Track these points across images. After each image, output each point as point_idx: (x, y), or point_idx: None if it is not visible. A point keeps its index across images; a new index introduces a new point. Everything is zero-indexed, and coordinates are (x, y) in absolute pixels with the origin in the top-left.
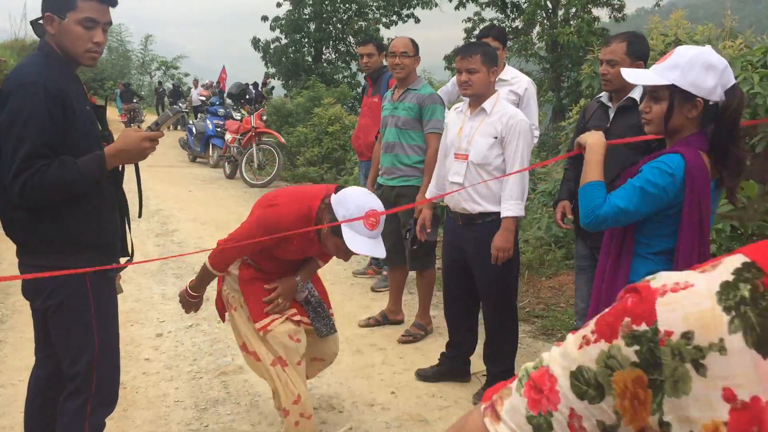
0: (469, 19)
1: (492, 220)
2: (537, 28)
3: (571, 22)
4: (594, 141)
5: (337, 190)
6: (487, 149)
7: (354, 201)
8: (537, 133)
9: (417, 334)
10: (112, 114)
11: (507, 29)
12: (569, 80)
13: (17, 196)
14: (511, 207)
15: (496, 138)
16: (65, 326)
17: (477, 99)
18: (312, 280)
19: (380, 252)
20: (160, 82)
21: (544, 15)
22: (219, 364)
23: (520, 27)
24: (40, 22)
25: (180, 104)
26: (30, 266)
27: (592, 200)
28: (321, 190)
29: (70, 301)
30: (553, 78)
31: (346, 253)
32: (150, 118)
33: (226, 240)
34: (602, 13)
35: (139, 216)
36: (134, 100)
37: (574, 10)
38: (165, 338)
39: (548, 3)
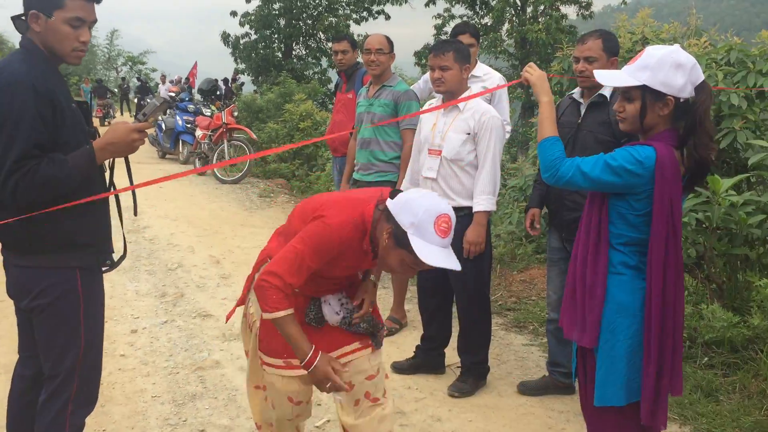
0: (439, 16)
1: (465, 215)
2: (506, 25)
3: (540, 20)
4: (537, 75)
5: (392, 195)
6: (460, 145)
7: (421, 205)
8: (509, 128)
9: (392, 328)
10: None
11: (477, 26)
12: None
13: (9, 197)
14: (482, 201)
15: (468, 134)
16: (52, 327)
17: (450, 95)
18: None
19: (454, 263)
20: (123, 78)
21: (513, 12)
22: (195, 359)
23: (489, 24)
24: (23, 18)
25: (147, 100)
26: (20, 266)
27: (552, 153)
28: (372, 195)
29: (59, 302)
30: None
31: (412, 268)
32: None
33: (272, 274)
34: (570, 11)
35: (135, 214)
36: (107, 96)
37: (542, 7)
38: (140, 334)
39: (517, 0)
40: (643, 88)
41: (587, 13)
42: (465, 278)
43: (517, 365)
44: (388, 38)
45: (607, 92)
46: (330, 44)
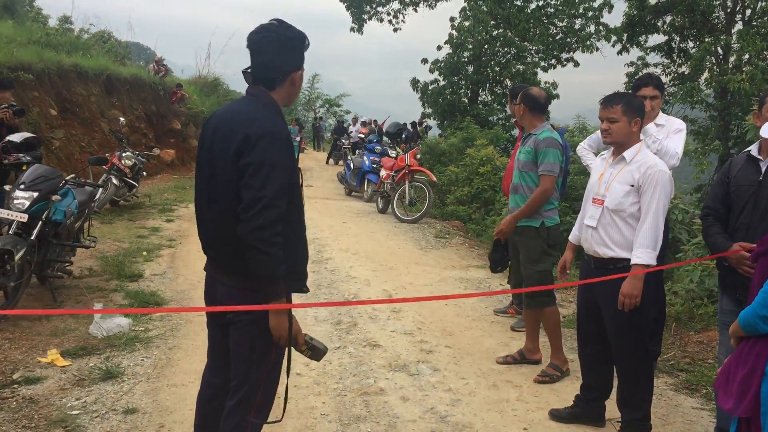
0: (632, 63)
1: (624, 266)
2: (705, 74)
3: (744, 69)
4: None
5: None
6: (623, 196)
7: None
8: (678, 158)
9: (553, 375)
10: None
11: (672, 74)
12: (738, 129)
13: (248, 232)
14: (640, 254)
15: (632, 186)
16: (250, 341)
17: (619, 147)
18: None
19: None
20: (316, 117)
21: (714, 61)
22: (362, 384)
23: (686, 73)
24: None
25: (343, 140)
26: (229, 285)
27: (754, 325)
28: None
29: (261, 321)
30: (721, 126)
31: None
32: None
33: None
34: None
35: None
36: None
37: (747, 56)
38: None
39: (719, 49)
40: None
41: None
42: (620, 329)
43: (684, 428)
44: (523, 92)
45: None
46: None
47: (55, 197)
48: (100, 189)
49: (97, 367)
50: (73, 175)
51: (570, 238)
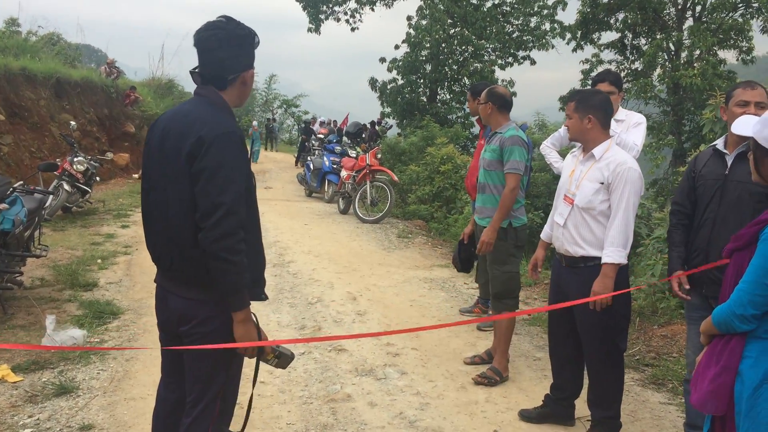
0: (586, 61)
1: (595, 265)
2: (658, 71)
3: (695, 65)
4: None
5: None
6: (593, 194)
7: None
8: (637, 151)
9: (492, 379)
10: None
11: (626, 71)
12: (691, 124)
13: (210, 241)
14: (611, 253)
15: (602, 183)
16: (205, 355)
17: (584, 144)
18: None
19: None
20: (269, 118)
21: (666, 57)
22: (329, 391)
23: (639, 69)
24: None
25: (313, 141)
26: (185, 297)
27: (729, 324)
28: None
29: (218, 332)
30: (674, 121)
31: None
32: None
33: None
34: (729, 56)
35: None
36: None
37: (698, 52)
38: None
39: (671, 45)
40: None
41: (748, 58)
42: (592, 329)
43: (653, 424)
44: (488, 90)
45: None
46: None
47: (2, 206)
48: (51, 196)
49: (50, 381)
50: (22, 182)
51: (542, 236)
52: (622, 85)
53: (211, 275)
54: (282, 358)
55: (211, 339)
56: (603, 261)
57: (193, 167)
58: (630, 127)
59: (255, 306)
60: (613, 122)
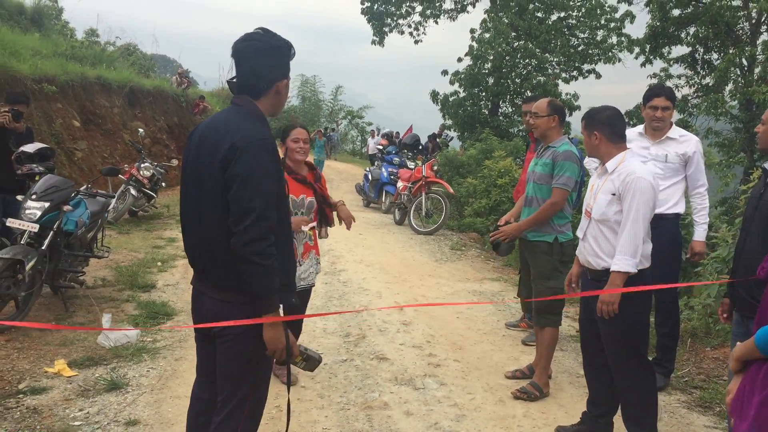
0: (655, 75)
1: None
2: (729, 86)
3: None
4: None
5: None
6: (606, 205)
7: None
8: (707, 192)
9: (531, 394)
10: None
11: (696, 86)
12: None
13: (242, 245)
14: (618, 261)
15: (614, 194)
16: (234, 355)
17: (603, 159)
18: None
19: None
20: (326, 128)
21: (739, 72)
22: (366, 398)
23: (710, 84)
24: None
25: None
26: (216, 299)
27: None
28: None
29: (247, 334)
30: (746, 138)
31: None
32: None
33: None
34: None
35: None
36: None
37: None
38: (321, 369)
39: (744, 60)
40: None
41: None
42: (613, 341)
43: None
44: (550, 102)
45: None
46: None
47: (66, 207)
48: (114, 199)
49: (102, 377)
50: (86, 186)
51: (576, 252)
52: (675, 101)
53: (241, 278)
54: (309, 361)
55: (242, 340)
56: (611, 269)
57: (226, 173)
58: (694, 162)
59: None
60: (665, 140)
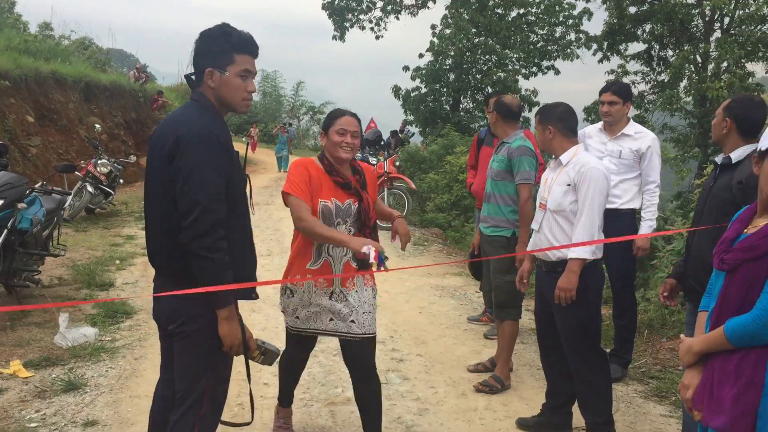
0: (612, 72)
1: None
2: (684, 82)
3: (723, 77)
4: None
5: None
6: (561, 196)
7: None
8: (657, 189)
9: (494, 387)
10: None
11: (652, 82)
12: None
13: (189, 239)
14: (576, 249)
15: (569, 185)
16: (190, 352)
17: (556, 152)
18: None
19: None
20: (284, 124)
21: (693, 69)
22: (329, 394)
23: (666, 80)
24: (193, 76)
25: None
26: (181, 298)
27: (760, 335)
28: None
29: (201, 330)
30: (700, 134)
31: None
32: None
33: None
34: (757, 68)
35: None
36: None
37: (726, 64)
38: None
39: (698, 57)
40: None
41: None
42: (569, 331)
43: None
44: (495, 100)
45: (736, 155)
46: None
47: (21, 205)
48: (70, 197)
49: (59, 378)
50: (41, 183)
51: (530, 246)
52: (629, 95)
53: (193, 273)
54: (267, 355)
55: (198, 336)
56: (568, 257)
57: (172, 167)
58: (647, 158)
59: (265, 309)
60: (620, 136)
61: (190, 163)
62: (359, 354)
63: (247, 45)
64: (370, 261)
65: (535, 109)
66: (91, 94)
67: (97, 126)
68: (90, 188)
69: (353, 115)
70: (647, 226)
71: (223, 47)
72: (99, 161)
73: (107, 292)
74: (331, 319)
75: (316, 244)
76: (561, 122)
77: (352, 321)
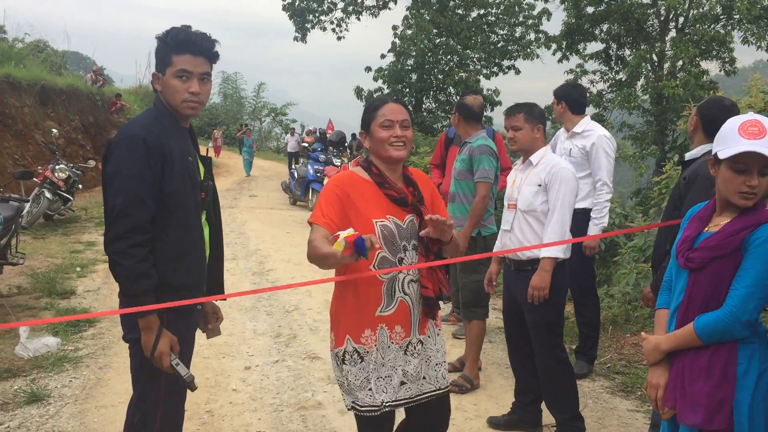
0: (571, 71)
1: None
2: (641, 81)
3: (678, 75)
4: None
5: None
6: (532, 196)
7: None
8: (604, 188)
9: (463, 387)
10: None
11: (611, 81)
12: (674, 134)
13: (105, 244)
14: (548, 248)
15: (540, 185)
16: (139, 361)
17: (525, 153)
18: None
19: None
20: (242, 125)
21: (650, 68)
22: (300, 398)
23: (623, 79)
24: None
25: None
26: (122, 301)
27: (729, 331)
28: None
29: (140, 340)
30: (657, 131)
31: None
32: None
33: None
34: (712, 67)
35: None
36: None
37: (681, 63)
38: (252, 371)
39: (653, 56)
40: None
41: (731, 68)
42: (536, 328)
43: (619, 431)
44: (457, 102)
45: (689, 153)
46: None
47: None
48: (28, 203)
49: (22, 389)
50: None
51: (495, 249)
52: (572, 100)
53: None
54: (177, 376)
55: (137, 347)
56: (541, 255)
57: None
58: (593, 156)
59: (233, 313)
60: (561, 133)
61: (114, 167)
62: (433, 417)
63: (183, 44)
64: (342, 245)
65: (498, 109)
66: (47, 98)
67: (54, 130)
68: (48, 194)
69: (398, 100)
70: (593, 224)
71: (162, 49)
72: (57, 166)
73: (68, 300)
74: (402, 383)
75: (385, 284)
76: (545, 123)
77: (424, 377)
